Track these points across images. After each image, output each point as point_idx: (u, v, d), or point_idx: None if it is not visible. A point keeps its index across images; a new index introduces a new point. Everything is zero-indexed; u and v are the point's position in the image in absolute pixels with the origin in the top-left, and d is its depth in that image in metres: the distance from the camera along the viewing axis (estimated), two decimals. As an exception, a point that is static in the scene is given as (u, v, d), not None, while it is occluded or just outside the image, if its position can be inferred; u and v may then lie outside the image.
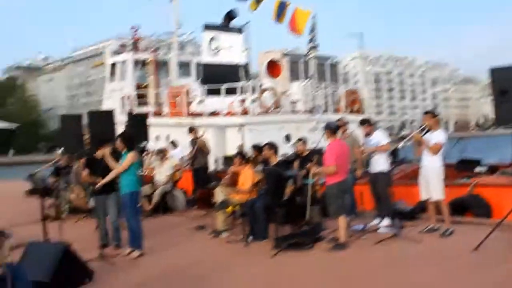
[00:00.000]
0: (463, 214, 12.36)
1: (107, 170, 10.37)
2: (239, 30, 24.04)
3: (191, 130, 16.97)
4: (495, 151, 27.60)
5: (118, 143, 10.33)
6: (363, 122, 11.91)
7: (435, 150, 10.31)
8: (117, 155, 10.47)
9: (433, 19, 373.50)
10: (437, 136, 10.39)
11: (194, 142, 16.67)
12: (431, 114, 10.74)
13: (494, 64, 13.73)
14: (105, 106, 27.68)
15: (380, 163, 11.37)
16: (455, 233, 10.30)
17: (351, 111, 22.63)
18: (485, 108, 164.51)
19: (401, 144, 10.92)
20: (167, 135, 22.61)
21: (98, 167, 10.82)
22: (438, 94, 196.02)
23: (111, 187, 10.51)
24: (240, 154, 12.51)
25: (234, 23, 24.73)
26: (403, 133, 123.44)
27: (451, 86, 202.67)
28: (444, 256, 8.89)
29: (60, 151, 18.54)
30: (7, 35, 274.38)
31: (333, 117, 19.30)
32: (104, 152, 10.63)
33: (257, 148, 12.88)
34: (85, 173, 11.79)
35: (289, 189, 10.70)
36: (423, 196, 10.67)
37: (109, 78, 29.33)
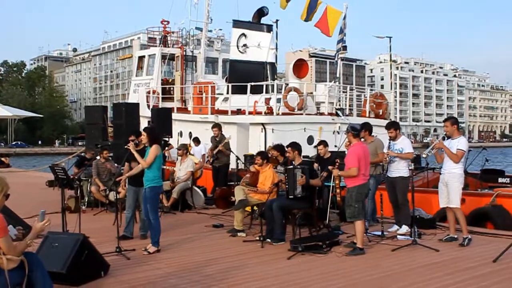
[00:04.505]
0: (485, 225, 12.24)
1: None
2: (268, 28, 24.05)
3: (215, 126, 16.89)
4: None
5: (143, 137, 10.31)
6: (390, 126, 11.79)
7: (456, 157, 10.19)
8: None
9: (463, 26, 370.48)
10: (459, 144, 10.29)
11: (216, 139, 16.63)
12: (451, 121, 10.59)
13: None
14: (131, 99, 27.86)
15: (400, 168, 11.30)
16: (475, 243, 10.23)
17: (376, 115, 22.50)
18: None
19: (425, 153, 10.71)
20: (190, 131, 22.67)
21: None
22: (464, 102, 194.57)
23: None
24: (262, 153, 12.42)
25: (263, 21, 24.80)
26: (427, 140, 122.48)
27: (478, 94, 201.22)
28: (462, 266, 8.79)
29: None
30: (36, 25, 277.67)
31: (357, 120, 19.24)
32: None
33: (279, 148, 12.76)
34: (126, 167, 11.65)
35: (299, 182, 10.42)
36: (442, 204, 10.57)
37: (136, 72, 29.51)
